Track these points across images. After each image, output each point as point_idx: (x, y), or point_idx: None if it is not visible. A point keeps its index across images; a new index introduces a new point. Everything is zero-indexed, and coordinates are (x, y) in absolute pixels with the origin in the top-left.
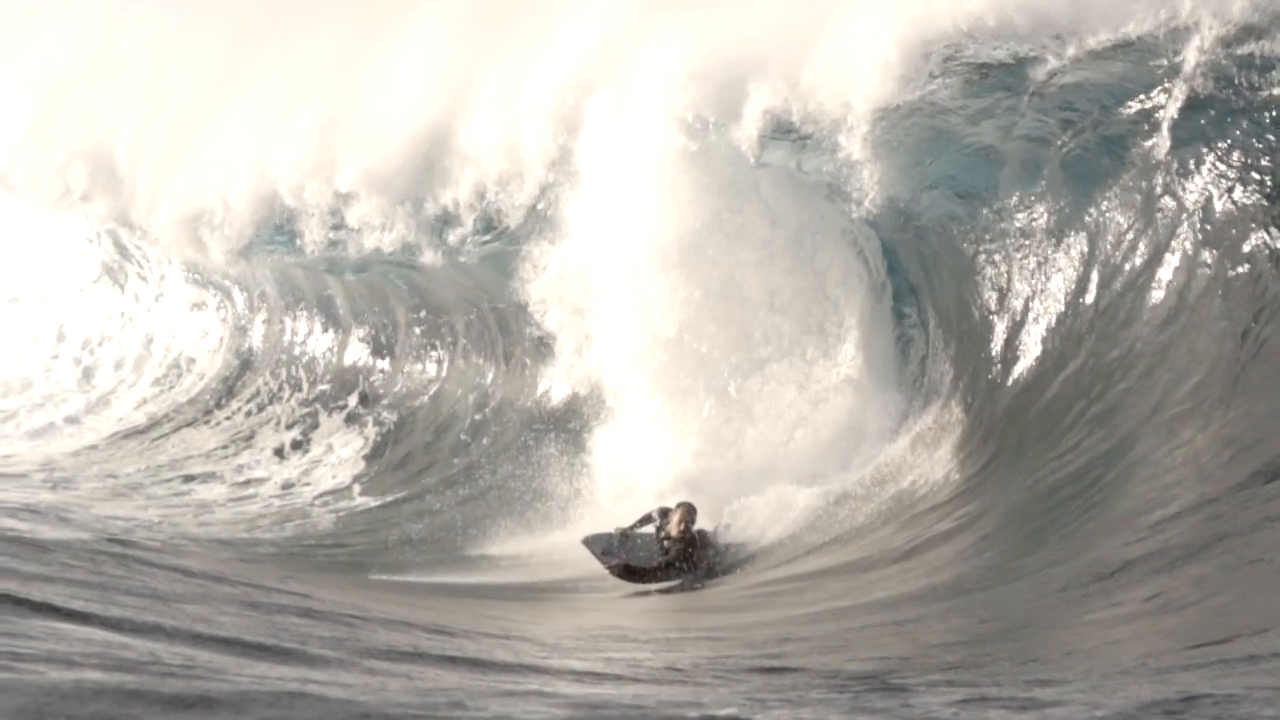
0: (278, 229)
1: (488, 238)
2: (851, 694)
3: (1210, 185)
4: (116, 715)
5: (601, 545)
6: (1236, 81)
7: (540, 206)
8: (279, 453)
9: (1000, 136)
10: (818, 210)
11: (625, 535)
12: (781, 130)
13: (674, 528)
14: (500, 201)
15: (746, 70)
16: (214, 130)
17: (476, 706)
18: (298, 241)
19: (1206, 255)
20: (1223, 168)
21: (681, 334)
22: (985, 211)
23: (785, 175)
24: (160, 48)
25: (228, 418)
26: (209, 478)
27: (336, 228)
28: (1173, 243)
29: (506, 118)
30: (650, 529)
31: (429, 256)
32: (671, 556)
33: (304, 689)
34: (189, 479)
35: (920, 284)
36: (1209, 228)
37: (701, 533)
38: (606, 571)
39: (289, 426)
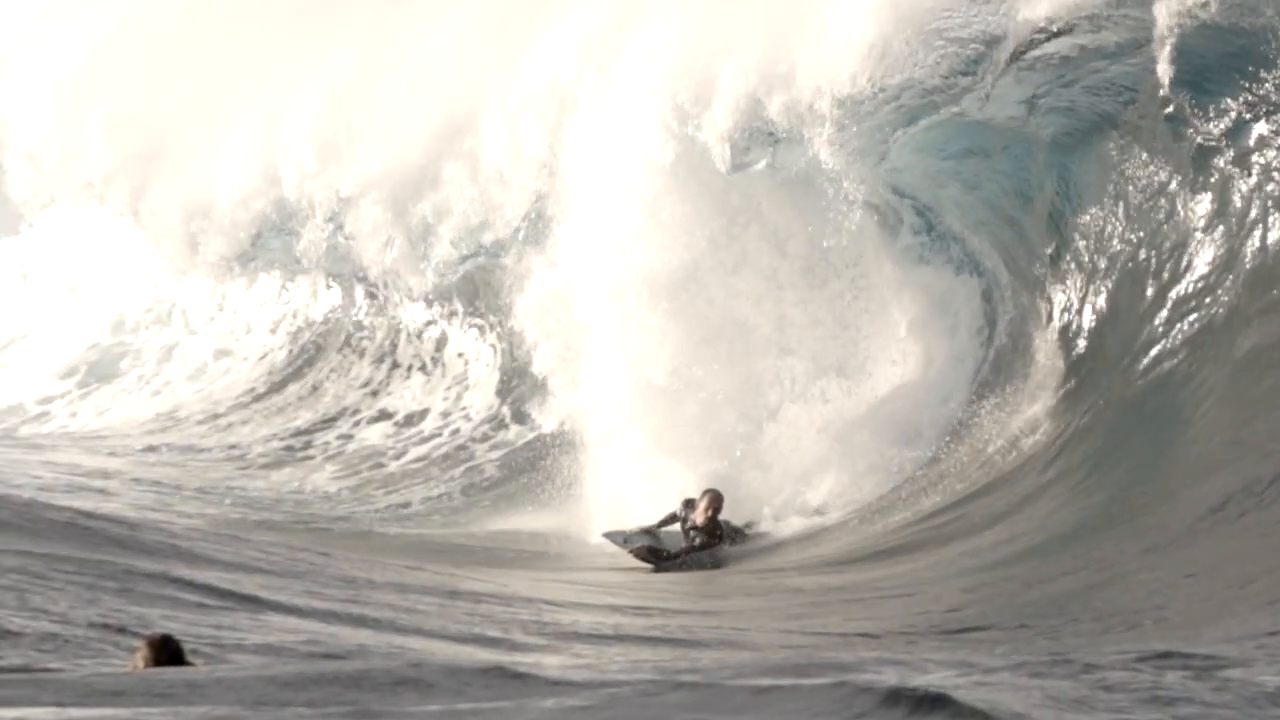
0: (279, 230)
1: (467, 253)
2: (1036, 657)
3: (1243, 114)
4: (337, 699)
5: (623, 536)
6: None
7: (524, 224)
8: (423, 370)
9: (1002, 102)
10: (831, 215)
11: (648, 531)
12: (773, 126)
13: (700, 515)
14: (495, 213)
15: (732, 63)
16: (233, 121)
17: (680, 680)
18: (297, 247)
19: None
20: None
21: (677, 381)
22: (1014, 175)
23: (785, 183)
24: (200, 32)
25: (366, 337)
26: (375, 419)
27: (337, 230)
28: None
29: (501, 118)
30: (675, 527)
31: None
32: (699, 545)
33: (514, 669)
34: (356, 422)
35: (956, 229)
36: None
37: (728, 523)
38: (632, 556)
39: (419, 336)
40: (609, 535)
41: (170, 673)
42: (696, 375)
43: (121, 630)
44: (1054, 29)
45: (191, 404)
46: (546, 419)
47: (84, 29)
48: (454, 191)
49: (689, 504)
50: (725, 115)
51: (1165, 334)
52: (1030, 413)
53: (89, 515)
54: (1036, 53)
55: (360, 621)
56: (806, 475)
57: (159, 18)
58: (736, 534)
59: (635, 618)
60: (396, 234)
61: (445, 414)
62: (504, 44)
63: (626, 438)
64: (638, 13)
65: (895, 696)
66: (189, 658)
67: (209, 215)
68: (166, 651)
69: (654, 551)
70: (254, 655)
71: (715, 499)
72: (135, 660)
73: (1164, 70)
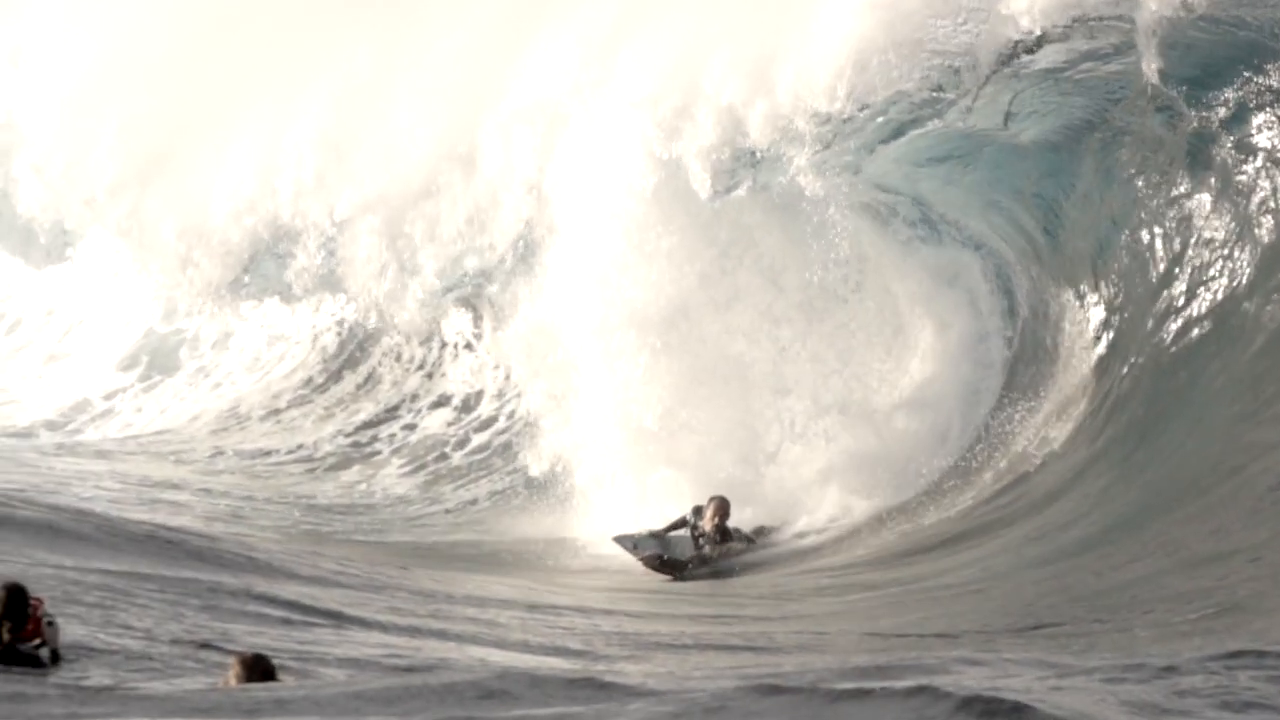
0: (272, 253)
1: (450, 284)
2: (1111, 659)
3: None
4: (423, 711)
5: (633, 541)
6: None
7: (511, 252)
8: (469, 348)
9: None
10: (817, 246)
11: (656, 536)
12: (753, 144)
13: (707, 522)
14: (481, 238)
15: (714, 73)
16: (225, 147)
17: (760, 685)
18: (287, 273)
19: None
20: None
21: (670, 423)
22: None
23: (775, 210)
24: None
25: (405, 316)
26: (436, 405)
27: (329, 256)
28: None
29: (496, 130)
30: (684, 532)
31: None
32: (706, 553)
33: (598, 679)
34: (416, 410)
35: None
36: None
37: (738, 530)
38: (641, 564)
39: (459, 305)
40: (619, 540)
41: (257, 688)
42: (690, 417)
43: (205, 646)
44: (1038, 33)
45: (252, 397)
46: (536, 461)
47: (88, 42)
48: (446, 210)
49: (697, 511)
50: (708, 130)
51: (1184, 305)
52: (1067, 383)
53: (167, 529)
54: (1022, 59)
55: (442, 635)
56: (838, 468)
57: (156, 40)
58: (746, 540)
59: (714, 625)
60: (390, 260)
61: (499, 394)
62: (500, 60)
63: (617, 484)
64: (629, 24)
65: (972, 703)
66: (279, 674)
67: (201, 234)
68: (258, 669)
69: (663, 560)
70: (338, 670)
71: (722, 505)
72: (227, 677)
73: (1151, 67)
